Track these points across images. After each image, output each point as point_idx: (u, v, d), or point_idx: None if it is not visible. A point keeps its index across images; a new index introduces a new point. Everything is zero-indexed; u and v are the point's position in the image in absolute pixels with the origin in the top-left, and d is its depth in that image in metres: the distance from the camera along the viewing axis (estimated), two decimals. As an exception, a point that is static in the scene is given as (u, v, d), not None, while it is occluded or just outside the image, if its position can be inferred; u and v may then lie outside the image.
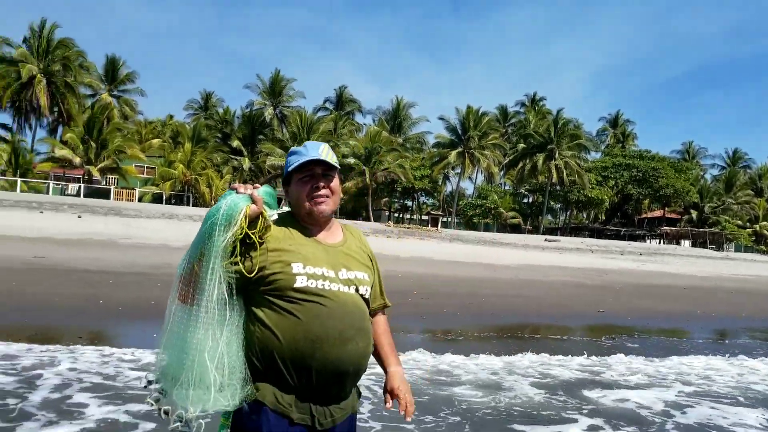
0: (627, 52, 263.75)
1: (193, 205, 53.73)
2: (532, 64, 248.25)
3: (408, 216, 77.88)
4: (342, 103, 74.87)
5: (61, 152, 50.50)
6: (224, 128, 66.75)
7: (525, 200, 79.48)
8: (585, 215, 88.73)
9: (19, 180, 49.10)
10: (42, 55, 55.21)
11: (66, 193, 53.15)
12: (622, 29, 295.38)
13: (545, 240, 52.24)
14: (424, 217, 73.48)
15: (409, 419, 2.31)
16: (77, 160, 51.06)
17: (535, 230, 71.83)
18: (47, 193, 49.64)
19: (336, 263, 2.19)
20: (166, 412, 1.94)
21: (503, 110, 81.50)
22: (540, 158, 66.97)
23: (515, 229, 71.21)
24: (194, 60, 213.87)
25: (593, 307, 15.00)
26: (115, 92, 64.96)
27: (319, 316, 2.06)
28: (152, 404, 1.97)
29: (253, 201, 2.02)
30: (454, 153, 66.04)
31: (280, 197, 2.57)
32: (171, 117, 75.45)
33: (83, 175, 53.11)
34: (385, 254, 27.01)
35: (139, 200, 53.98)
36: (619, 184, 71.99)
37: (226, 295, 1.96)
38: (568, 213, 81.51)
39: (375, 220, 62.44)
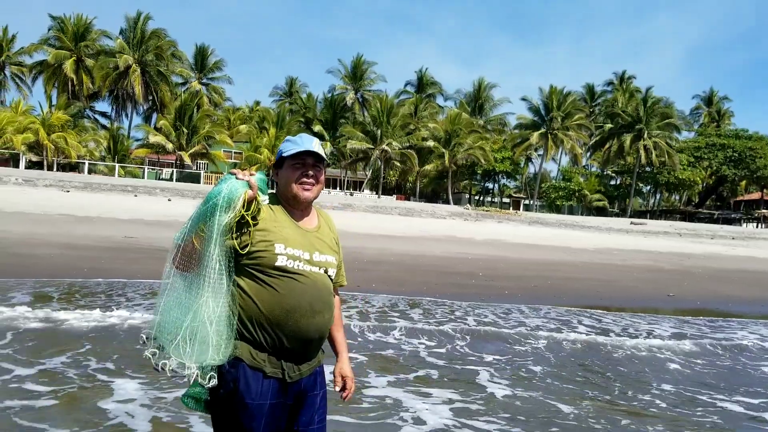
0: (729, 25, 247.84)
1: (277, 189, 55.33)
2: (623, 40, 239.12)
3: (489, 199, 77.22)
4: (423, 85, 74.74)
5: (155, 138, 53.25)
6: (307, 113, 68.20)
7: (612, 182, 77.09)
8: (677, 198, 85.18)
9: (117, 165, 52.20)
10: (136, 46, 58.20)
11: (160, 177, 56.03)
12: (724, 1, 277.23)
13: (631, 223, 50.67)
14: (506, 200, 72.71)
15: (346, 400, 2.79)
16: (170, 146, 53.71)
17: (622, 213, 69.69)
18: (143, 177, 52.51)
19: (311, 247, 2.50)
20: (163, 367, 2.25)
21: (590, 89, 79.03)
22: (627, 138, 64.81)
23: (601, 212, 69.32)
24: (280, 46, 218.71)
25: (664, 291, 14.67)
26: (205, 80, 67.68)
27: (294, 291, 2.40)
28: (150, 357, 2.26)
29: (250, 186, 2.30)
30: (536, 134, 64.84)
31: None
32: (258, 103, 77.91)
33: (176, 160, 55.82)
34: (459, 237, 27.19)
35: (227, 184, 56.03)
36: (713, 165, 68.68)
37: (224, 267, 2.29)
38: (658, 196, 78.48)
39: (455, 203, 62.38)
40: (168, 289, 2.29)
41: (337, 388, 2.72)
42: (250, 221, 2.33)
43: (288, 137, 2.61)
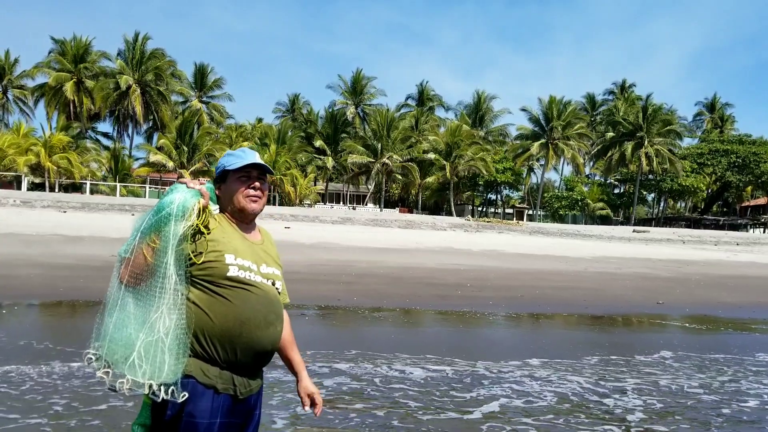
0: (730, 30, 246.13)
1: (279, 204, 55.53)
2: (623, 48, 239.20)
3: (493, 210, 77.06)
4: (424, 99, 75.06)
5: (156, 157, 53.61)
6: (308, 128, 68.46)
7: (615, 191, 76.83)
8: (683, 205, 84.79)
9: (118, 185, 52.47)
10: (136, 66, 58.71)
11: (162, 196, 56.11)
12: (725, 4, 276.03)
13: (633, 231, 50.40)
14: (509, 211, 72.54)
15: (318, 415, 2.71)
16: (171, 164, 54.05)
17: (626, 221, 69.39)
18: (144, 196, 52.71)
19: (258, 258, 2.45)
20: (120, 387, 2.11)
21: (591, 99, 79.13)
22: (629, 146, 64.68)
23: (605, 220, 69.06)
24: (283, 62, 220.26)
25: (654, 299, 14.48)
26: (205, 98, 68.10)
27: (247, 302, 2.32)
28: (104, 378, 2.13)
29: (201, 195, 2.27)
30: (536, 144, 64.83)
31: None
32: (260, 120, 78.20)
33: (177, 178, 55.84)
34: (456, 248, 27.06)
35: (229, 201, 56.17)
36: (717, 171, 68.36)
37: (180, 278, 2.19)
38: (663, 203, 78.10)
39: (458, 215, 62.34)
40: (117, 306, 2.16)
41: (306, 408, 2.65)
42: (204, 230, 2.27)
43: (228, 151, 2.58)
